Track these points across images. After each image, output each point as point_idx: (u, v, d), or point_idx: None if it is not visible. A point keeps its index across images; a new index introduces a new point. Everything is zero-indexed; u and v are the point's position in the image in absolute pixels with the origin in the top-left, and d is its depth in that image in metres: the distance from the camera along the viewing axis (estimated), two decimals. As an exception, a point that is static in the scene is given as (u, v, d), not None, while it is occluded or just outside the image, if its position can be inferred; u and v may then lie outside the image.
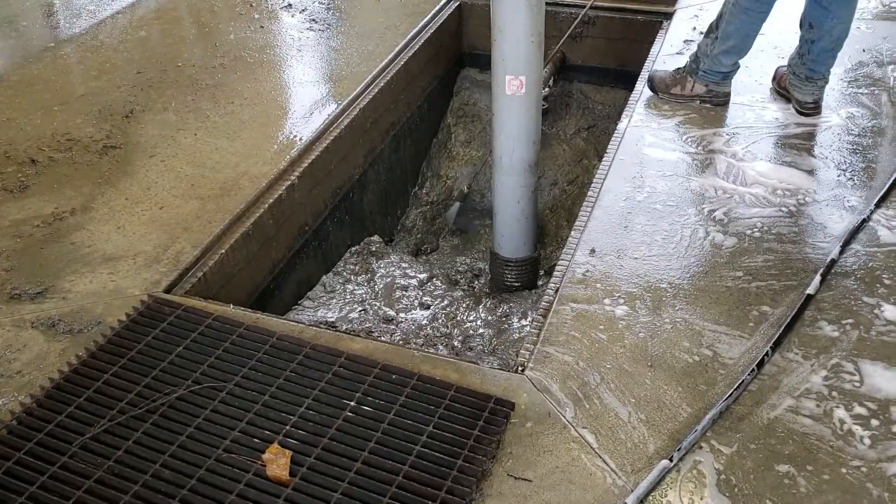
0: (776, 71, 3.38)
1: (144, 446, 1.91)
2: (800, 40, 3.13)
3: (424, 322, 3.13)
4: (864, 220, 2.60)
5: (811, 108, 3.17)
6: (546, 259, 3.90)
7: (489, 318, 3.18)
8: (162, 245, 2.64)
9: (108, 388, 2.06)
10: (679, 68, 3.36)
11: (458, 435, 1.92)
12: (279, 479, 1.82)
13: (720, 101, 3.30)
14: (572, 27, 4.03)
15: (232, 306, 2.40)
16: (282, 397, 2.03)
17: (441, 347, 2.99)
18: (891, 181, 2.76)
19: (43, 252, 2.61)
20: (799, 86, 3.17)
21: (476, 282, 3.62)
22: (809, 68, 3.11)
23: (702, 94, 3.29)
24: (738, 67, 3.26)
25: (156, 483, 1.82)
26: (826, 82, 3.16)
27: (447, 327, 3.12)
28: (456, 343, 3.03)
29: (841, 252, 2.48)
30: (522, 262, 3.33)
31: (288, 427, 1.95)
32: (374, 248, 3.62)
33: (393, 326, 3.08)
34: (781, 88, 3.31)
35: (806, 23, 3.08)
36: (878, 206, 2.66)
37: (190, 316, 2.31)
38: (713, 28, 3.20)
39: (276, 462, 1.85)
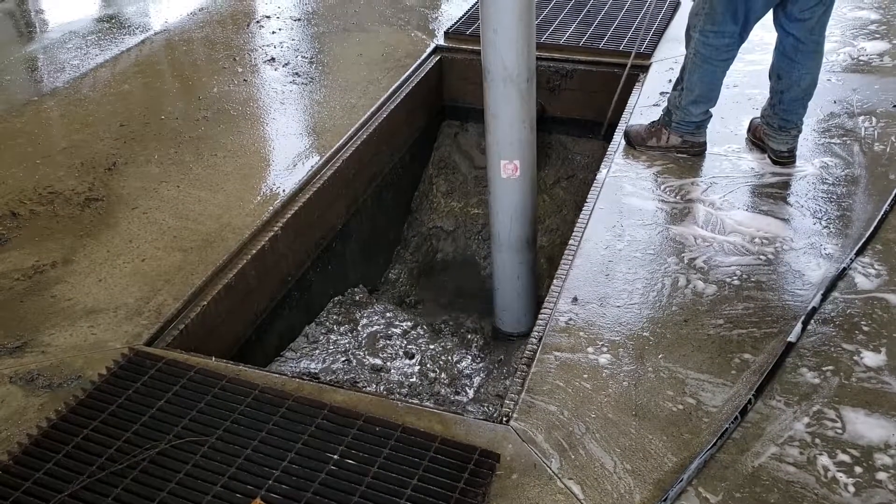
0: (751, 122, 3.44)
1: (125, 503, 1.87)
2: (770, 91, 3.20)
3: (410, 371, 3.12)
4: (844, 269, 2.63)
5: (786, 157, 3.22)
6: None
7: (475, 362, 3.18)
8: (143, 297, 2.62)
9: (88, 444, 2.03)
10: (654, 122, 3.39)
11: (443, 487, 1.90)
12: (262, 535, 1.79)
13: (696, 152, 3.32)
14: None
15: (214, 359, 2.39)
16: (264, 451, 2.01)
17: (426, 397, 2.97)
18: (871, 230, 2.80)
19: (23, 305, 2.59)
20: (773, 135, 3.22)
21: (469, 334, 3.61)
22: (781, 118, 3.17)
23: (677, 146, 3.31)
24: (710, 116, 3.30)
25: (135, 541, 1.79)
26: (799, 131, 3.22)
27: (435, 371, 3.10)
28: (442, 390, 3.01)
29: (822, 300, 2.50)
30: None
31: (270, 482, 1.92)
32: (357, 298, 3.62)
33: (378, 375, 3.06)
34: (756, 139, 3.36)
35: (774, 74, 3.14)
36: (857, 254, 2.70)
37: (171, 369, 2.29)
38: (679, 80, 3.24)
39: (259, 518, 1.82)
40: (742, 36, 3.05)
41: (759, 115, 3.35)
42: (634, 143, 3.39)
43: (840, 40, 4.25)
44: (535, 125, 2.93)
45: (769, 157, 3.27)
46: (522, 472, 1.96)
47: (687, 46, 3.18)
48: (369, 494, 1.88)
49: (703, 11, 3.03)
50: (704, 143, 3.34)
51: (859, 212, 2.94)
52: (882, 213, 2.88)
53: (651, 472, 1.96)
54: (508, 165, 2.92)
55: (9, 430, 2.12)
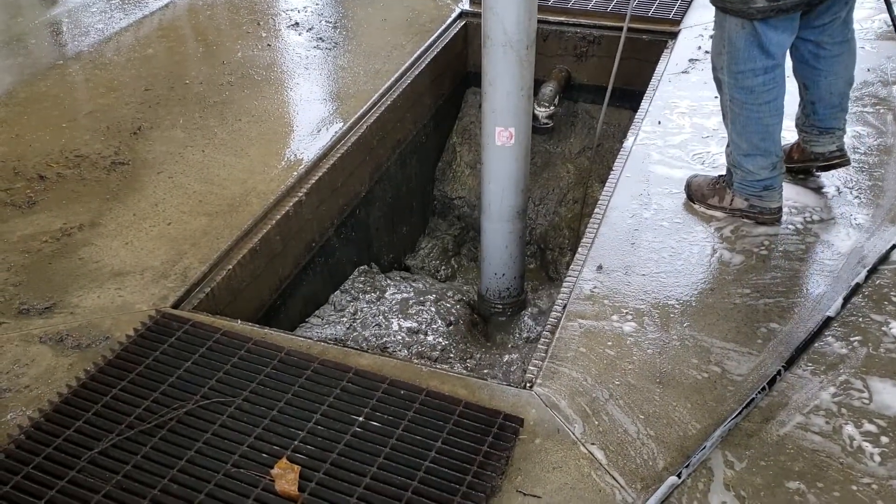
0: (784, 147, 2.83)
1: (153, 461, 1.90)
2: (800, 99, 2.81)
3: (443, 334, 3.14)
4: (893, 246, 2.56)
5: (837, 156, 2.80)
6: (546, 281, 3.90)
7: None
8: (170, 261, 2.64)
9: (117, 403, 2.06)
10: (720, 176, 2.83)
11: (467, 451, 1.91)
12: (288, 494, 1.81)
13: (766, 220, 2.72)
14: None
15: (240, 322, 2.40)
16: (290, 412, 2.03)
17: (455, 363, 2.99)
18: None
19: (51, 267, 2.62)
20: (816, 139, 2.82)
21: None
22: (820, 127, 2.79)
23: (743, 209, 2.74)
24: (781, 174, 2.70)
25: (164, 498, 1.81)
26: (844, 132, 2.82)
27: (466, 342, 3.11)
28: (475, 354, 3.02)
29: (867, 277, 2.45)
30: (509, 306, 3.36)
31: (296, 442, 1.94)
32: (386, 274, 3.63)
33: (410, 338, 3.08)
34: (798, 161, 2.90)
35: (800, 83, 2.75)
36: None
37: (198, 331, 2.31)
38: (727, 132, 2.74)
39: (285, 477, 1.84)
40: (777, 70, 2.53)
41: (790, 141, 2.92)
42: (694, 198, 2.83)
43: (875, 6, 4.15)
44: (532, 93, 2.90)
45: (817, 166, 2.86)
46: (546, 436, 1.96)
47: (719, 93, 2.68)
48: (394, 456, 1.90)
49: (724, 50, 2.55)
50: (777, 210, 2.73)
51: (892, 182, 2.89)
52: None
53: (674, 439, 1.95)
54: (504, 133, 2.91)
55: (39, 389, 2.15)
